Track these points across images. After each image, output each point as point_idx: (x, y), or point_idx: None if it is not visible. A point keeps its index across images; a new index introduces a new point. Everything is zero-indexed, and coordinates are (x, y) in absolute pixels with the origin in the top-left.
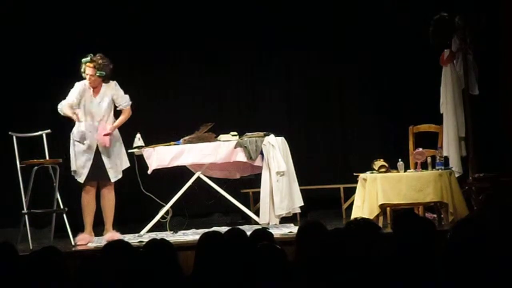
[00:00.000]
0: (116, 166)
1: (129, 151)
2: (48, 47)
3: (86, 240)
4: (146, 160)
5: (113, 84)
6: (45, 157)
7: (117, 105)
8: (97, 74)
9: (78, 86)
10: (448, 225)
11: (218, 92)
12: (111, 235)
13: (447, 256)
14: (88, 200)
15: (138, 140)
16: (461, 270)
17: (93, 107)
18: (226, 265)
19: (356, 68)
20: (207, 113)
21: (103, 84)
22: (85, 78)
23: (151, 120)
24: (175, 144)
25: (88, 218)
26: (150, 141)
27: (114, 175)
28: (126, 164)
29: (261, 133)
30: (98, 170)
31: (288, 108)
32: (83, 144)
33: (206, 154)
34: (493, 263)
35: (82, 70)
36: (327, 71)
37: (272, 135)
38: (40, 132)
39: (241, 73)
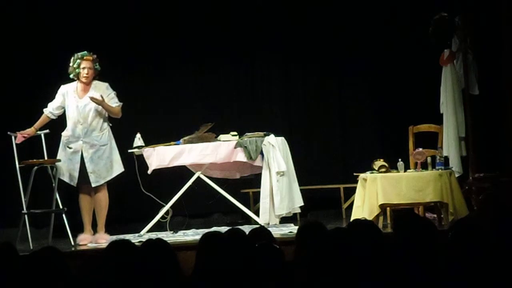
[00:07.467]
0: (99, 171)
1: (129, 151)
2: (48, 47)
3: (87, 240)
4: (146, 160)
5: (105, 86)
6: (44, 157)
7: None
8: (96, 67)
9: (62, 89)
10: (448, 225)
11: (218, 92)
12: (98, 236)
13: (447, 256)
14: (83, 201)
15: (138, 140)
16: (461, 270)
17: (78, 110)
18: (226, 265)
19: (356, 68)
20: (207, 113)
21: (92, 85)
22: (73, 78)
23: (151, 120)
24: (175, 144)
25: (86, 219)
26: (150, 141)
27: (95, 180)
28: (116, 170)
29: (261, 133)
30: (83, 174)
31: (288, 108)
32: (70, 148)
33: (206, 154)
34: (493, 262)
35: (76, 65)
36: (327, 71)
37: (272, 135)
38: (39, 132)
39: (241, 73)
